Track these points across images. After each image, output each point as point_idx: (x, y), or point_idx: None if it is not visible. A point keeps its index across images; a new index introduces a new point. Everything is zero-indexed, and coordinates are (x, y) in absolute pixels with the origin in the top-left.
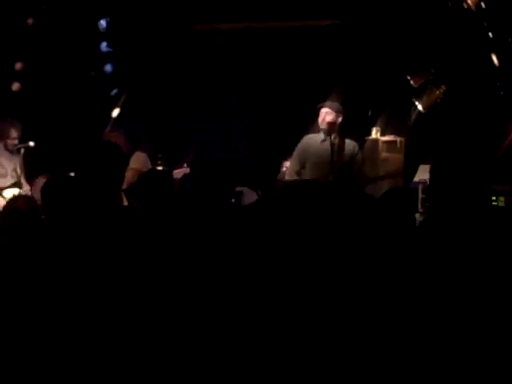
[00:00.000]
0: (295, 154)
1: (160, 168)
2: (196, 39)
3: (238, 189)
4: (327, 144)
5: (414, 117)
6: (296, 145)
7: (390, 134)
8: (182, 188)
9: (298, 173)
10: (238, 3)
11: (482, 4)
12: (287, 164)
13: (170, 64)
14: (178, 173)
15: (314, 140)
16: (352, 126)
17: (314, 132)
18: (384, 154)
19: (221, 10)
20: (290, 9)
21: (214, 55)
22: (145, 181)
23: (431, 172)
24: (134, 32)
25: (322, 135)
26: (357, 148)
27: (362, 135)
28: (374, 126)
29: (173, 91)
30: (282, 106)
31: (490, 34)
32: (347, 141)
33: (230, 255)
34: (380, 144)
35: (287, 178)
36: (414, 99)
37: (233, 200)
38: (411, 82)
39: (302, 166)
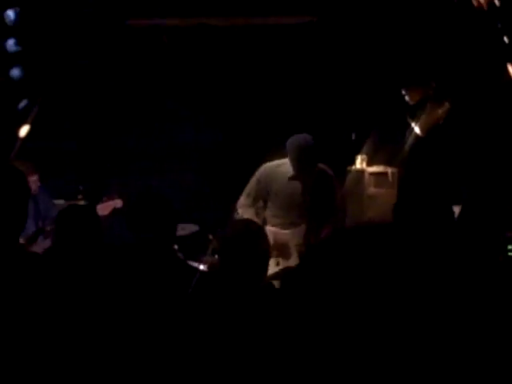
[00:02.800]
0: (252, 184)
1: (81, 203)
2: (131, 38)
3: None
4: (297, 183)
5: (409, 142)
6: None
7: (379, 163)
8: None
9: (253, 209)
10: None
11: (496, 1)
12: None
13: (96, 68)
14: (105, 207)
15: (280, 172)
16: (331, 152)
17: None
18: (371, 190)
19: (164, 2)
20: (253, 3)
21: (154, 58)
22: (62, 219)
23: (422, 213)
24: (50, 27)
25: (289, 168)
26: (333, 180)
27: (343, 165)
28: (358, 153)
29: (99, 102)
30: (241, 120)
31: (506, 39)
32: (322, 169)
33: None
34: (366, 176)
35: (237, 215)
36: (409, 120)
37: (176, 246)
38: (406, 97)
39: (259, 200)
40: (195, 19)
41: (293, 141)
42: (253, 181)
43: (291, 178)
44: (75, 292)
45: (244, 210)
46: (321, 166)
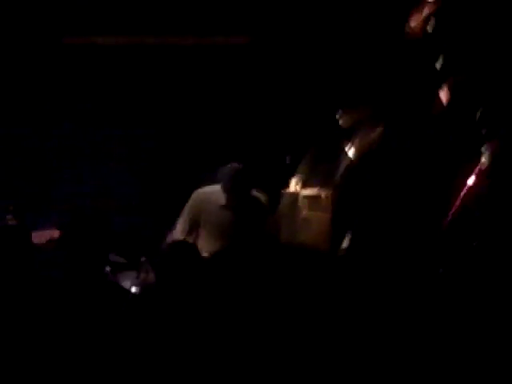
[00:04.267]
0: (186, 211)
1: (11, 223)
2: (66, 55)
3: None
4: (229, 212)
5: (343, 165)
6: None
7: (314, 186)
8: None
9: (188, 237)
10: (122, 12)
11: (429, 28)
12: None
13: (26, 86)
14: (41, 236)
15: (212, 200)
16: (264, 175)
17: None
18: (305, 213)
19: (100, 20)
20: (188, 22)
21: (88, 76)
22: None
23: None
24: None
25: (221, 196)
26: (265, 208)
27: (277, 187)
28: (293, 176)
29: (31, 120)
30: (172, 144)
31: (438, 65)
32: (255, 198)
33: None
34: (300, 199)
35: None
36: (343, 143)
37: (108, 268)
38: (340, 121)
39: (192, 229)
40: (131, 38)
41: (224, 171)
42: (187, 207)
43: (223, 207)
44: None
45: (180, 236)
46: (255, 193)
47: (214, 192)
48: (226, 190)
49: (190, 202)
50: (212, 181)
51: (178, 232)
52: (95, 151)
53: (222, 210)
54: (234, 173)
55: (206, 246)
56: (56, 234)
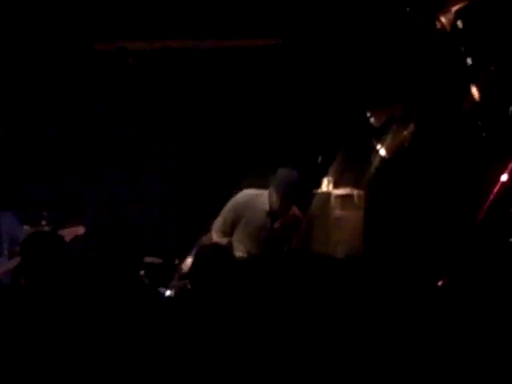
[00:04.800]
0: (229, 209)
1: (45, 229)
2: (97, 61)
3: (149, 259)
4: (269, 218)
5: (375, 164)
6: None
7: (346, 186)
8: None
9: (227, 238)
10: (151, 17)
11: (459, 23)
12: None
13: (57, 94)
14: (67, 234)
15: (258, 202)
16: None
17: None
18: (338, 212)
19: (129, 25)
20: (219, 25)
21: (120, 82)
22: (28, 248)
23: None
24: (17, 51)
25: (266, 200)
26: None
27: (309, 187)
28: (324, 175)
29: (61, 128)
30: (211, 150)
31: (469, 61)
32: (295, 215)
33: None
34: (332, 199)
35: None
36: (374, 142)
37: (142, 272)
38: (371, 119)
39: (231, 228)
40: (161, 42)
41: (284, 175)
42: (231, 205)
43: (266, 213)
44: (42, 321)
45: (218, 238)
46: (295, 209)
47: (260, 195)
48: (279, 193)
49: (235, 202)
50: (248, 181)
51: (217, 230)
52: (126, 154)
53: (265, 215)
54: (292, 179)
55: (239, 247)
56: (81, 230)
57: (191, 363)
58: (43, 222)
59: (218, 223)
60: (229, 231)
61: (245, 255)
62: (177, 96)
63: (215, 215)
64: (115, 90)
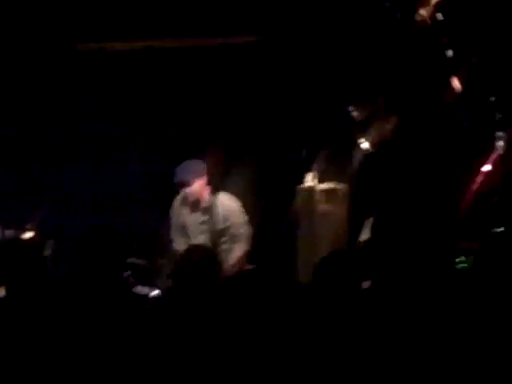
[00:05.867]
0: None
1: (28, 236)
2: (78, 62)
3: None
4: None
5: (358, 158)
6: None
7: (330, 180)
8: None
9: None
10: (131, 18)
11: (439, 15)
12: None
13: (40, 94)
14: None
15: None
16: (281, 170)
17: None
18: (322, 207)
19: (109, 26)
20: (198, 24)
21: (100, 82)
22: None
23: (373, 229)
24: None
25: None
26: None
27: (293, 183)
28: (308, 170)
29: (40, 129)
30: (188, 141)
31: (450, 53)
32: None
33: None
34: (317, 194)
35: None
36: (358, 136)
37: (128, 273)
38: (354, 114)
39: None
40: (141, 42)
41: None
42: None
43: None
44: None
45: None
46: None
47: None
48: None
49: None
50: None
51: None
52: (108, 152)
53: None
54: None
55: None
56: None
57: (177, 363)
58: (28, 226)
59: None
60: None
61: None
62: (157, 95)
63: None
64: (97, 90)
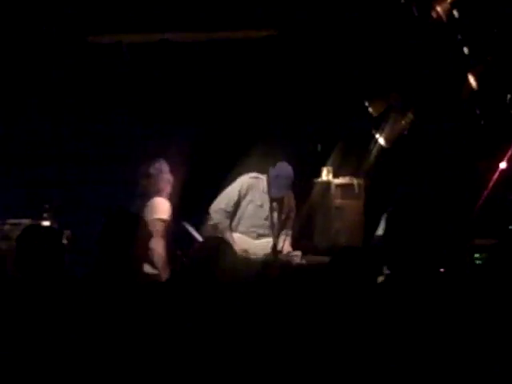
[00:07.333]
0: (234, 191)
1: (46, 224)
2: (92, 55)
3: None
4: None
5: (374, 153)
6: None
7: (345, 175)
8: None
9: (229, 220)
10: (148, 10)
11: (455, 12)
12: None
13: (52, 87)
14: None
15: (259, 186)
16: (297, 165)
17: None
18: (338, 201)
19: (125, 18)
20: (215, 17)
21: (116, 76)
22: (23, 242)
23: (389, 224)
24: (11, 44)
25: (265, 184)
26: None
27: (309, 176)
28: (324, 165)
29: (58, 123)
30: (205, 136)
31: (466, 50)
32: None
33: None
34: (333, 188)
35: (212, 220)
36: (373, 131)
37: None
38: (370, 109)
39: (236, 206)
40: (157, 35)
41: (283, 169)
42: (235, 188)
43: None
44: (37, 314)
45: (221, 217)
46: (290, 198)
47: (260, 179)
48: (279, 186)
49: (240, 183)
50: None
51: (220, 209)
52: (126, 150)
53: (265, 197)
54: (289, 174)
55: (240, 226)
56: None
57: (183, 357)
58: (45, 215)
59: (221, 203)
60: (232, 211)
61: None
62: (171, 88)
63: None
64: (111, 83)
